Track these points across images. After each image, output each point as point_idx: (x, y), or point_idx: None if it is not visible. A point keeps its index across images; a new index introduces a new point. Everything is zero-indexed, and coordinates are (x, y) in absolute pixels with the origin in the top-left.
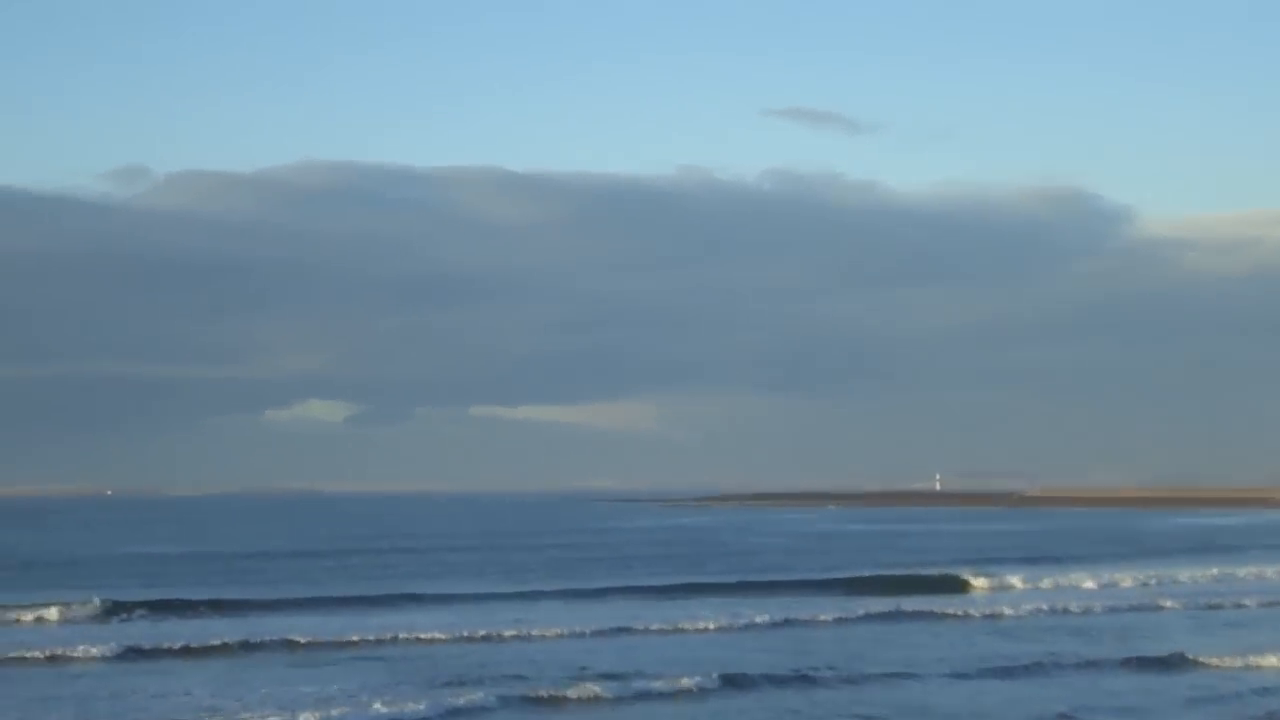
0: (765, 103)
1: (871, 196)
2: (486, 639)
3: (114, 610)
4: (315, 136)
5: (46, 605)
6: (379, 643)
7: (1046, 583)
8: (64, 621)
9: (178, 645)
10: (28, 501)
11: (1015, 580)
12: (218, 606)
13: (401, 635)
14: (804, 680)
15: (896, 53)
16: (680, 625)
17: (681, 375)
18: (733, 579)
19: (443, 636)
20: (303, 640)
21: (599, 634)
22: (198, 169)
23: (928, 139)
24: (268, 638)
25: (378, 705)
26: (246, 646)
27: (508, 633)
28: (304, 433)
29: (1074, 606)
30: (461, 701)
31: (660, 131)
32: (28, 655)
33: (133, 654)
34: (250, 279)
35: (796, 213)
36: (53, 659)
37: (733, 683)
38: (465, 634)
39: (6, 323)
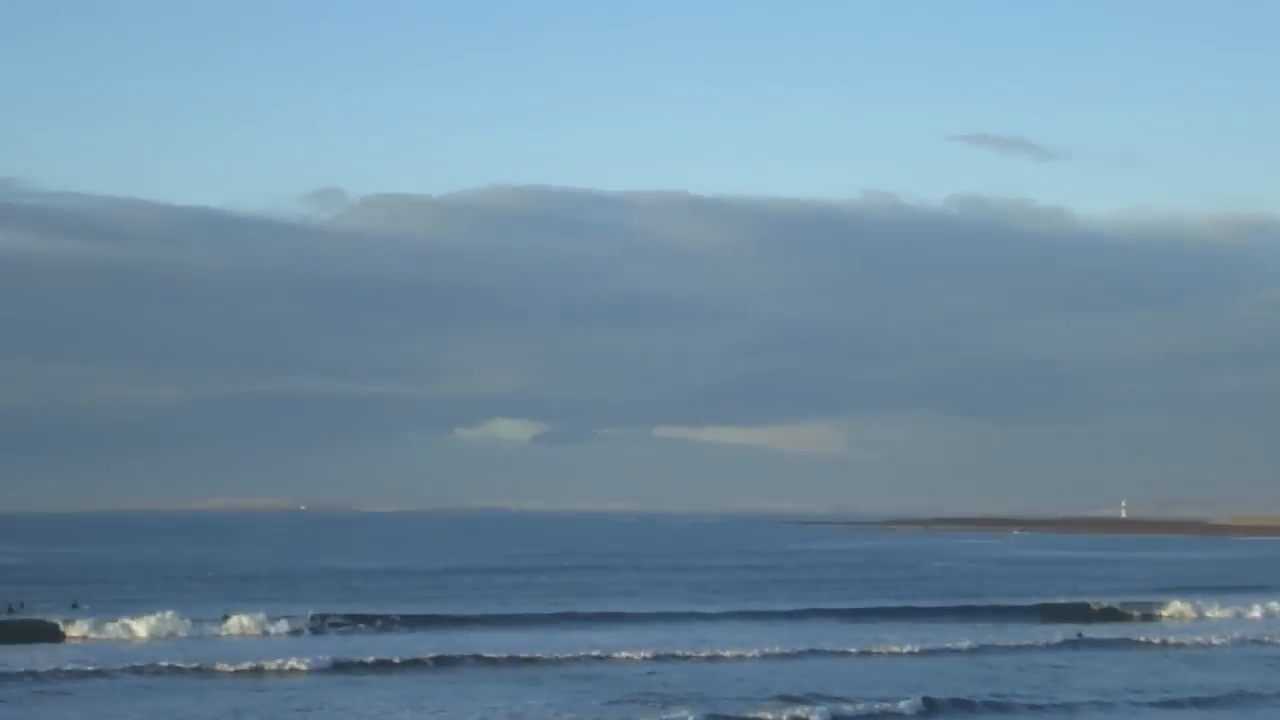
0: (951, 129)
1: (1058, 222)
2: (676, 658)
3: (320, 624)
4: (505, 161)
5: (257, 618)
6: (572, 660)
7: (1238, 612)
8: (275, 635)
9: (379, 659)
10: (224, 516)
11: (1207, 609)
12: (414, 621)
13: (593, 653)
14: (1000, 709)
15: (1084, 79)
16: (870, 648)
17: (864, 399)
18: (921, 603)
19: (633, 655)
20: (494, 656)
21: (790, 655)
22: (391, 192)
23: (1114, 165)
24: (460, 652)
25: None
26: (441, 661)
27: (701, 653)
28: (492, 451)
29: (1269, 636)
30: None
31: (845, 156)
32: (243, 667)
33: (338, 667)
34: (441, 300)
35: (982, 238)
36: (263, 671)
37: (936, 708)
38: (655, 653)
39: (210, 340)
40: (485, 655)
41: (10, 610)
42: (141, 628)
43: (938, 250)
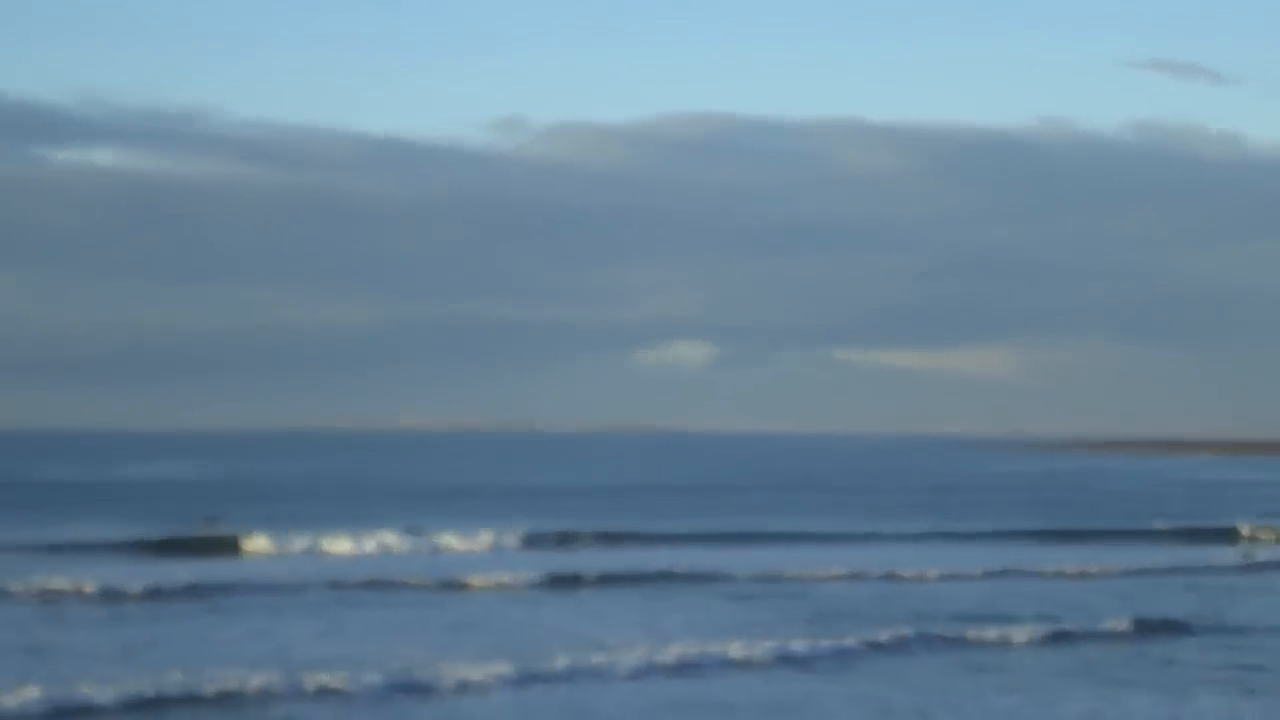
0: (1126, 54)
1: (1234, 149)
2: (872, 577)
3: (532, 541)
4: (686, 88)
5: (476, 534)
6: (770, 578)
7: None
8: (480, 550)
9: (592, 573)
10: (410, 435)
11: None
12: (621, 538)
13: (788, 571)
14: (1214, 630)
15: (1259, 3)
16: (1064, 569)
17: (1037, 324)
18: (1108, 525)
19: (828, 573)
20: (695, 572)
21: (989, 575)
22: (574, 120)
23: None
24: (663, 568)
25: (795, 639)
26: (647, 577)
27: (904, 571)
28: (669, 374)
29: None
30: (885, 637)
31: (1019, 81)
32: (472, 581)
33: (554, 582)
34: (622, 226)
35: (1157, 165)
36: (471, 587)
37: (1148, 628)
38: (849, 571)
39: (398, 265)
40: (683, 572)
41: (209, 522)
42: (346, 544)
43: (1112, 176)
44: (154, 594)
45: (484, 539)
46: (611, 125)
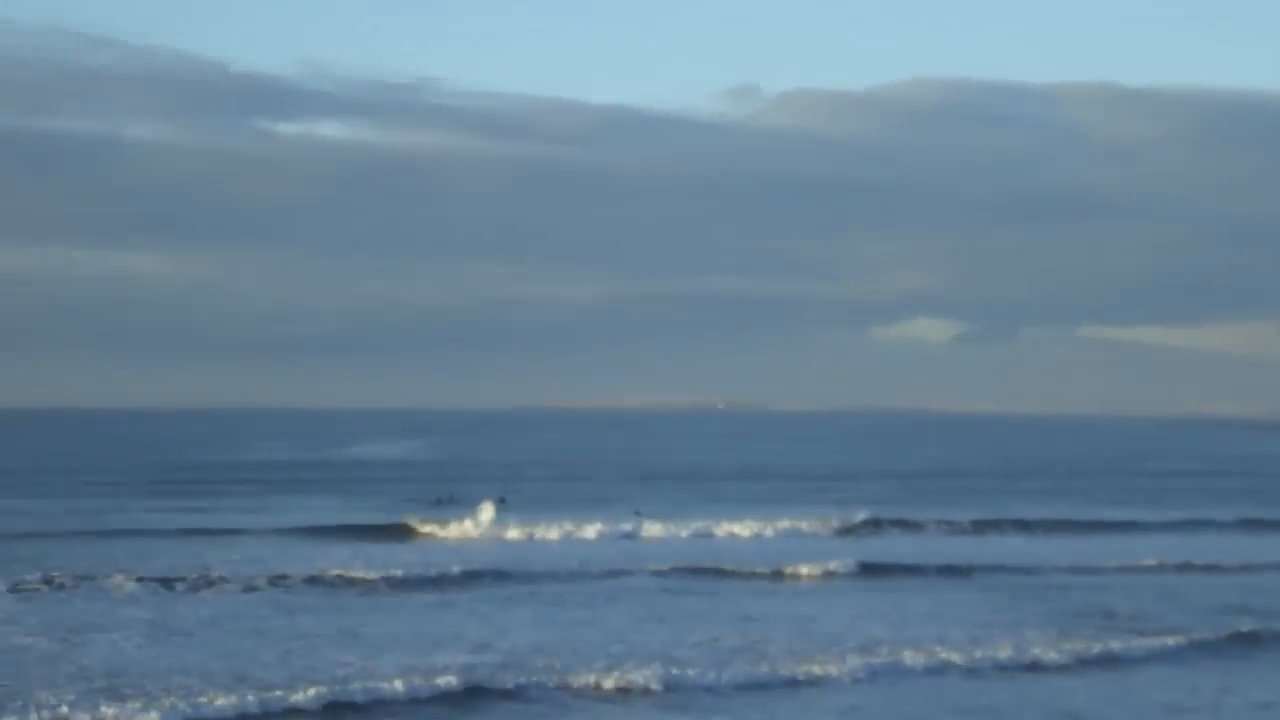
0: None
1: None
2: (1195, 569)
3: (850, 528)
4: (924, 54)
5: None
6: (1080, 569)
7: None
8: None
9: (897, 562)
10: (642, 413)
11: None
12: (910, 526)
13: (1099, 563)
14: None
15: None
16: None
17: None
18: None
19: (1140, 564)
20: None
21: None
22: (809, 87)
23: None
24: (981, 560)
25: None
26: (986, 569)
27: (1227, 562)
28: (910, 351)
29: None
30: (1248, 628)
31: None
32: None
33: (866, 570)
34: (860, 197)
35: None
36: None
37: None
38: (1164, 563)
39: (626, 239)
40: (992, 564)
41: (440, 501)
42: (575, 528)
43: None
44: (441, 580)
45: (799, 524)
46: (848, 92)
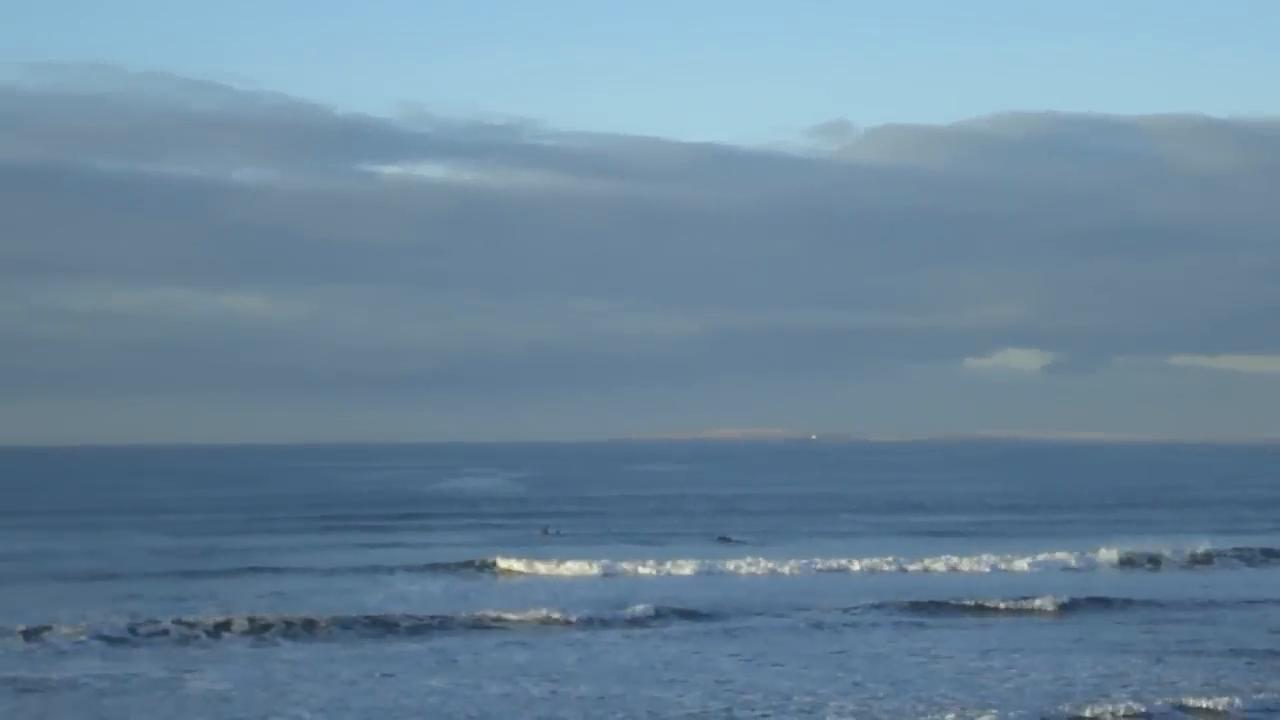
0: None
1: None
2: None
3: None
4: (1013, 87)
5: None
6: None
7: None
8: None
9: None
10: (735, 445)
11: None
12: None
13: None
14: None
15: None
16: None
17: None
18: None
19: None
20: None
21: None
22: (898, 123)
23: None
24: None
25: None
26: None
27: None
28: (1001, 381)
29: None
30: None
31: None
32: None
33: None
34: (949, 230)
35: None
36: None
37: None
38: None
39: (720, 274)
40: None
41: (546, 533)
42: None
43: None
44: (655, 617)
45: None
46: (936, 127)
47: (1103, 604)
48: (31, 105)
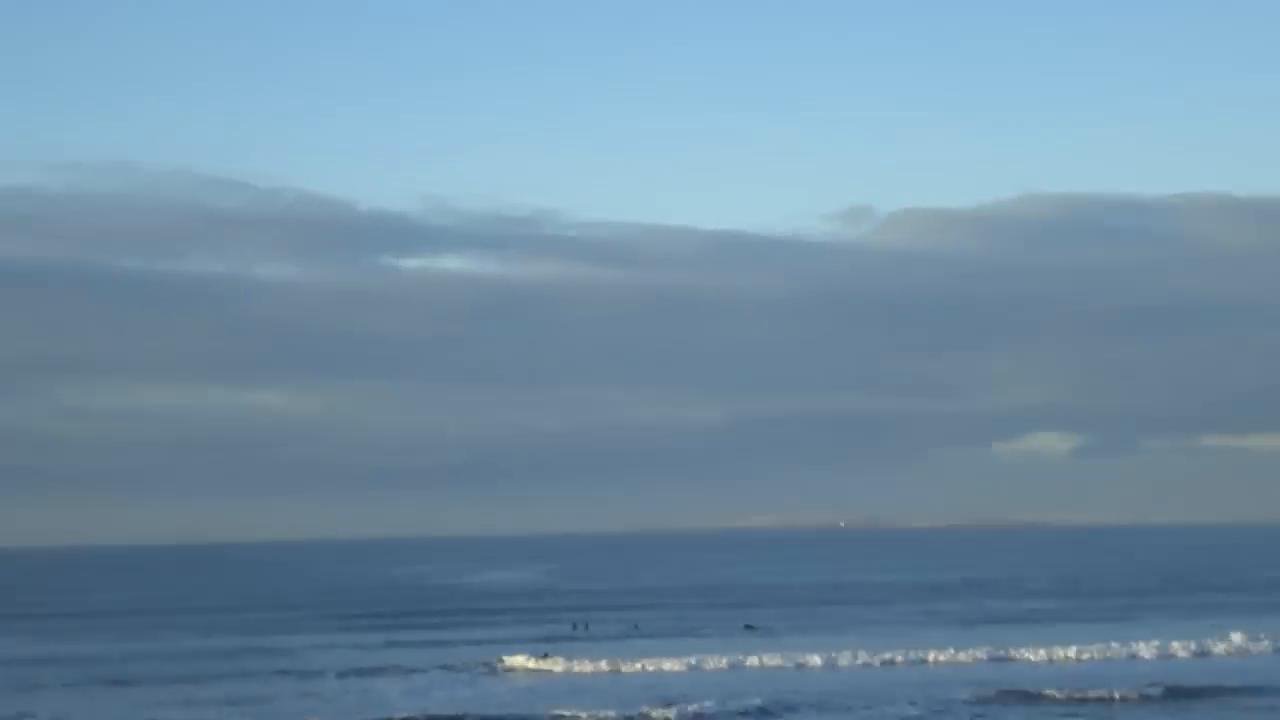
0: None
1: None
2: None
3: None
4: (1034, 169)
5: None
6: None
7: None
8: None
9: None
10: (767, 533)
11: None
12: None
13: None
14: None
15: None
16: None
17: None
18: None
19: None
20: None
21: None
22: (919, 206)
23: None
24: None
25: None
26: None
27: None
28: (1030, 464)
29: None
30: None
31: None
32: None
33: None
34: (974, 312)
35: None
36: None
37: None
38: None
39: (744, 361)
40: None
41: (575, 628)
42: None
43: None
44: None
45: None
46: (958, 210)
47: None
48: (54, 205)
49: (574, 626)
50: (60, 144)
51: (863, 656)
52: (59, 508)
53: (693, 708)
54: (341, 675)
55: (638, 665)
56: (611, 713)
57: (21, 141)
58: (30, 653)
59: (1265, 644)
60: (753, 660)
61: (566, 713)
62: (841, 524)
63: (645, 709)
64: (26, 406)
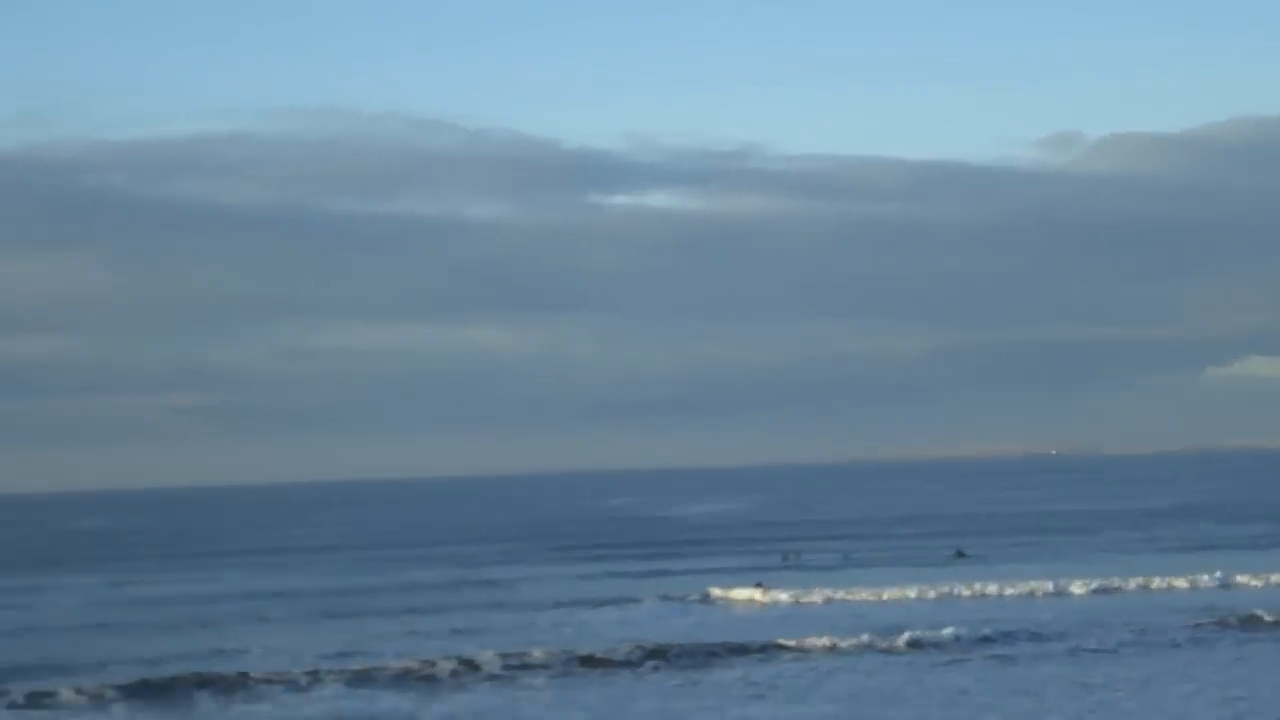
0: None
1: None
2: None
3: None
4: (1245, 92)
5: None
6: None
7: None
8: None
9: None
10: (972, 463)
11: None
12: None
13: None
14: None
15: None
16: None
17: None
18: None
19: None
20: None
21: None
22: (1128, 131)
23: None
24: None
25: None
26: None
27: None
28: (1243, 389)
29: None
30: None
31: None
32: None
33: None
34: (1185, 239)
35: None
36: None
37: None
38: None
39: (951, 291)
40: None
41: (786, 558)
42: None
43: None
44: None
45: None
46: (1167, 134)
47: None
48: (270, 151)
49: (784, 557)
50: (273, 91)
51: (1080, 584)
52: (279, 445)
53: (910, 635)
54: (559, 606)
55: (851, 595)
56: (834, 641)
57: (237, 89)
58: (257, 587)
59: None
60: (964, 589)
61: (790, 642)
62: (1053, 452)
63: (867, 637)
64: (247, 347)
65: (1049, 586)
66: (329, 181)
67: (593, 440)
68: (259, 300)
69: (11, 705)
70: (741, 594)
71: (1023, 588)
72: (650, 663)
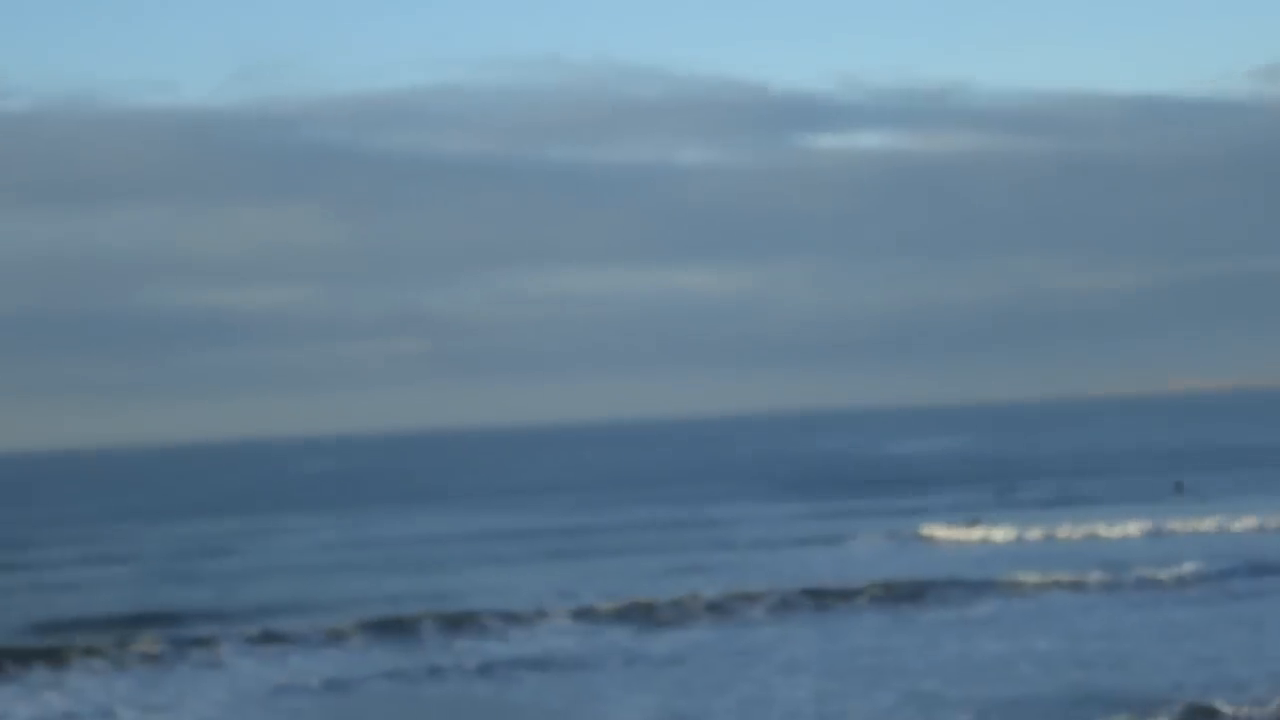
0: None
1: None
2: None
3: None
4: None
5: None
6: None
7: None
8: None
9: None
10: (1190, 397)
11: None
12: None
13: None
14: None
15: None
16: None
17: None
18: None
19: None
20: None
21: None
22: None
23: None
24: None
25: None
26: None
27: None
28: None
29: None
30: None
31: None
32: None
33: None
34: None
35: None
36: None
37: None
38: None
39: (1163, 226)
40: None
41: (1000, 494)
42: None
43: None
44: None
45: None
46: None
47: None
48: (482, 101)
49: (998, 493)
50: (483, 42)
51: None
52: (498, 389)
53: (1129, 570)
54: (775, 544)
55: (1069, 530)
56: (1051, 577)
57: (452, 40)
58: (483, 527)
59: None
60: (1186, 523)
61: (1005, 578)
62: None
63: (1087, 573)
64: (464, 294)
65: (1275, 522)
66: (540, 130)
67: (803, 380)
68: (477, 248)
69: (249, 639)
70: (956, 531)
71: (1248, 522)
72: (867, 598)
